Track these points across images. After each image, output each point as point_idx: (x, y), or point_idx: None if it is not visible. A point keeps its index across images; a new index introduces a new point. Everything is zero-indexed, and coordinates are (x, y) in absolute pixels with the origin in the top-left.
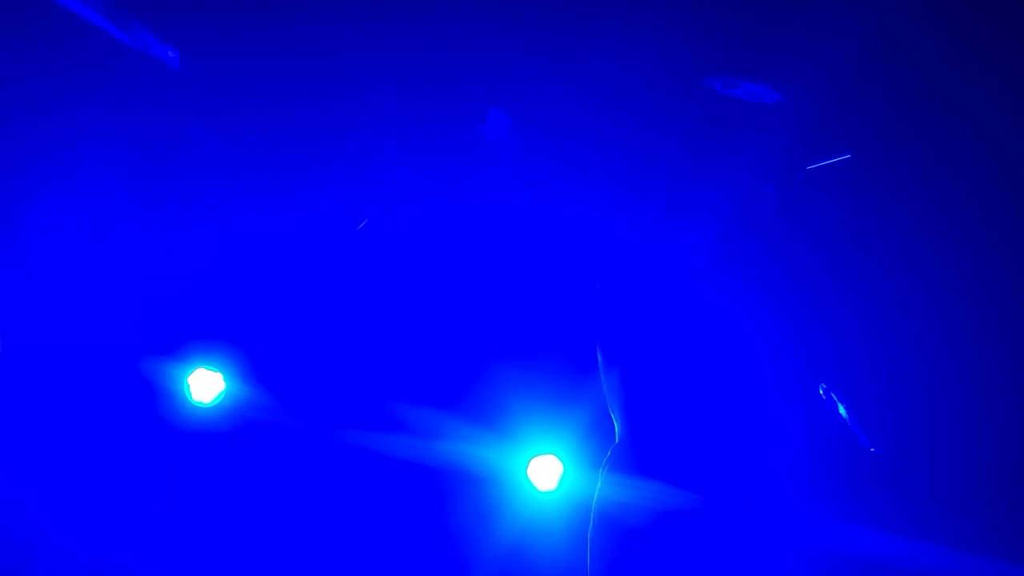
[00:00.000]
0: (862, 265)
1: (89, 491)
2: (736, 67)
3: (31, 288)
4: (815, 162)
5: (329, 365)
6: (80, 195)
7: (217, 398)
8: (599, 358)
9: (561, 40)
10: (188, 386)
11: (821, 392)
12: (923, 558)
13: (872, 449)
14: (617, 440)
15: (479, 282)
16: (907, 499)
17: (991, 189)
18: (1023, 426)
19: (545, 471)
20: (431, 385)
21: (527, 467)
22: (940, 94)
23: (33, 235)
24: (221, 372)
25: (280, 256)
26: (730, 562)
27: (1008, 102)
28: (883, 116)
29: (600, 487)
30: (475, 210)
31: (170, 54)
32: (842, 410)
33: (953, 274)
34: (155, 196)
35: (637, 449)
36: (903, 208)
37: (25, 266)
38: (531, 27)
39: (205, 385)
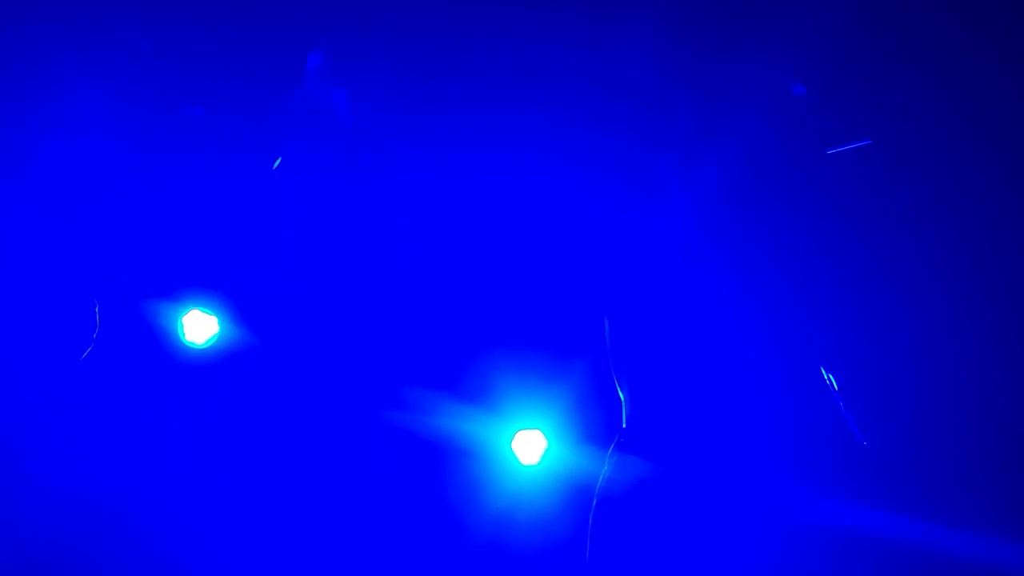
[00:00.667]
0: (856, 249)
1: (76, 429)
2: (737, 47)
3: (25, 228)
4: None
5: (318, 334)
6: (76, 135)
7: (210, 340)
8: (607, 339)
9: (555, 17)
10: (181, 327)
11: (823, 373)
12: (911, 535)
13: (864, 442)
14: (624, 423)
15: (467, 259)
16: (899, 478)
17: (991, 173)
18: (1015, 410)
19: (529, 445)
20: (418, 361)
21: (511, 441)
22: (941, 74)
23: (28, 174)
24: (216, 315)
25: (280, 208)
26: (723, 539)
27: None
28: (881, 99)
29: (607, 469)
30: (466, 189)
31: None
32: (835, 391)
33: (945, 260)
34: (155, 135)
35: (640, 431)
36: (897, 190)
37: (20, 205)
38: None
39: (199, 327)
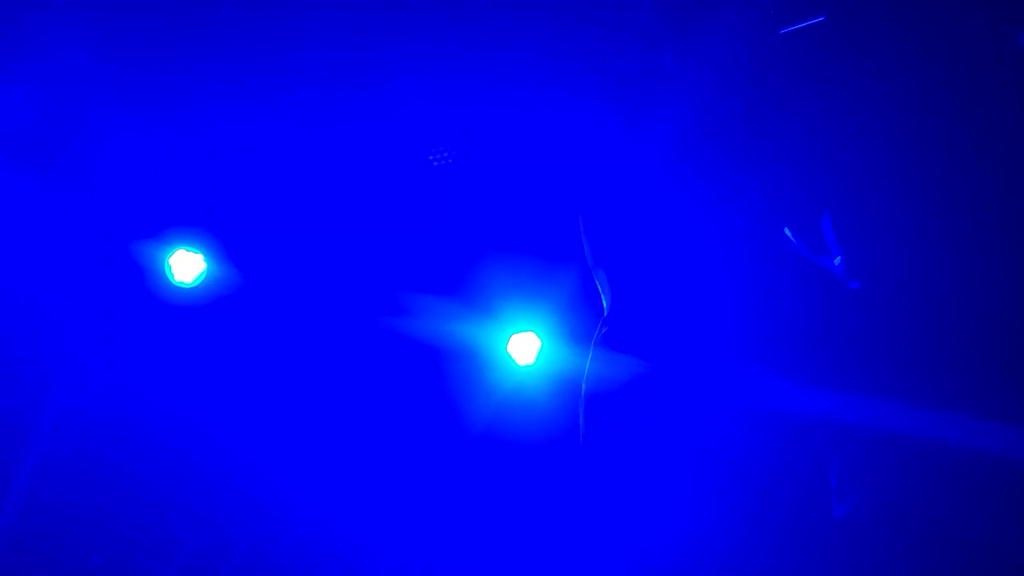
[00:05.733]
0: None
1: (68, 371)
2: None
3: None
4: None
5: (313, 247)
6: (60, 80)
7: (198, 278)
8: (583, 236)
9: None
10: (169, 267)
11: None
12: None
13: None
14: (606, 313)
15: (462, 168)
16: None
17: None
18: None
19: (524, 346)
20: (417, 267)
21: (507, 343)
22: None
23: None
24: (202, 253)
25: (265, 138)
26: (705, 426)
27: None
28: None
29: (591, 359)
30: (455, 102)
31: None
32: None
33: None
34: (137, 79)
35: (621, 323)
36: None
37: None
38: None
39: (186, 266)
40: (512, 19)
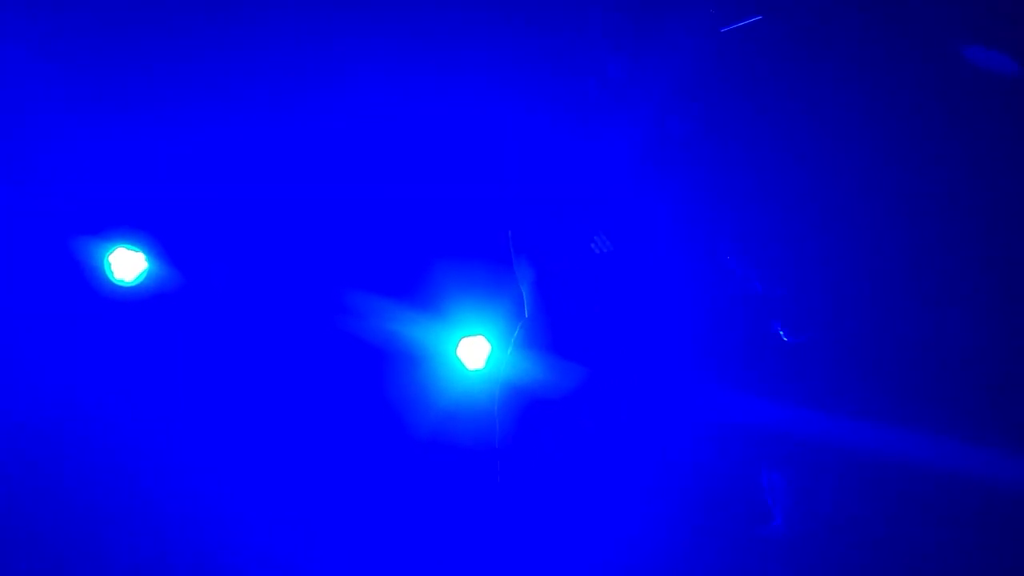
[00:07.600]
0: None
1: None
2: None
3: None
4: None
5: (258, 247)
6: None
7: (138, 277)
8: (510, 241)
9: None
10: (109, 265)
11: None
12: (822, 428)
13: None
14: (527, 316)
15: (414, 172)
16: (804, 371)
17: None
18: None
19: (474, 351)
20: (368, 268)
21: (457, 347)
22: None
23: None
24: (143, 251)
25: (210, 137)
26: (629, 430)
27: None
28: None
29: (509, 361)
30: (410, 105)
31: None
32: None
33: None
34: (80, 77)
35: (544, 325)
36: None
37: None
38: None
39: (126, 264)
40: (474, 23)
